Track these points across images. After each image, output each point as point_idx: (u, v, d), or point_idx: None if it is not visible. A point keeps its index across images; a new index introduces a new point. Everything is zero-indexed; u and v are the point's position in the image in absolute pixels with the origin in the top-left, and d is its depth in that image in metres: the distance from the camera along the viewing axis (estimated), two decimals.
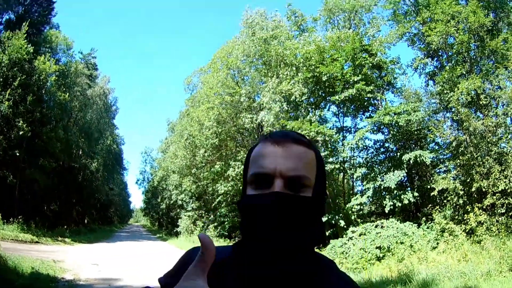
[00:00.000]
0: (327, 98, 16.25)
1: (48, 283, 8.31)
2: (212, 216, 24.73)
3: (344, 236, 13.59)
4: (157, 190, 45.61)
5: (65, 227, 25.98)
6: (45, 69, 21.70)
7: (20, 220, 19.61)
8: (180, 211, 30.89)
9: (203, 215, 26.53)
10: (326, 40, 17.07)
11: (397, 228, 12.50)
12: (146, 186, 55.49)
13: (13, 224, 18.80)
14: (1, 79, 19.66)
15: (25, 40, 20.39)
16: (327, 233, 14.61)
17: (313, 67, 15.90)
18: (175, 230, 31.91)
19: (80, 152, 32.79)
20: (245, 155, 0.96)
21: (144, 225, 78.43)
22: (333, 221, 14.49)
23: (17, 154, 20.36)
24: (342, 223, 14.08)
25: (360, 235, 13.01)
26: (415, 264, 9.79)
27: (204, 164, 23.40)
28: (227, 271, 0.88)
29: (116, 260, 14.50)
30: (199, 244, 0.82)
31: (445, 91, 12.54)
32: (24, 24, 20.68)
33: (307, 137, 0.97)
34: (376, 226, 13.09)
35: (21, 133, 19.70)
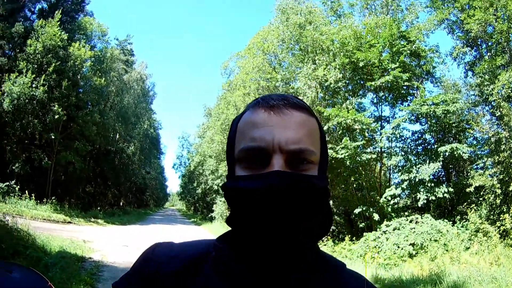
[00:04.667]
0: (366, 86, 15.81)
1: (74, 262, 8.28)
2: None
3: (378, 229, 13.16)
4: (194, 175, 45.95)
5: (99, 208, 26.62)
6: (80, 55, 22.17)
7: (53, 201, 20.25)
8: (216, 196, 31.28)
9: None
10: (363, 26, 16.63)
11: (431, 224, 11.97)
12: (183, 170, 56.21)
13: (46, 204, 19.42)
14: (36, 66, 20.31)
15: (59, 28, 20.94)
16: (361, 225, 14.39)
17: (350, 53, 15.52)
18: (210, 215, 32.37)
19: (117, 136, 33.62)
20: None
21: (179, 209, 79.81)
22: (367, 214, 14.07)
23: (52, 137, 21.01)
24: (376, 216, 13.63)
25: (394, 229, 12.54)
26: (447, 264, 9.27)
27: None
28: (208, 270, 0.72)
29: (147, 243, 14.32)
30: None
31: (484, 83, 11.80)
32: (56, 12, 21.21)
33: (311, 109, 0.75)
34: (410, 221, 12.59)
35: (56, 117, 20.31)
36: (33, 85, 19.58)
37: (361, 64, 15.10)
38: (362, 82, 16.20)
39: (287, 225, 0.63)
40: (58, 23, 20.94)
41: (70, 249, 9.65)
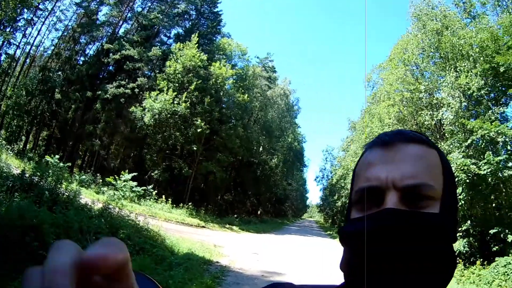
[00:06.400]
0: (508, 93, 14.24)
1: (199, 265, 8.58)
2: None
3: (510, 255, 11.57)
4: (335, 188, 45.30)
5: (235, 216, 27.97)
6: (221, 74, 23.92)
7: (190, 206, 21.96)
8: None
9: None
10: (498, 25, 14.86)
11: None
12: (325, 183, 56.18)
13: (182, 209, 21.10)
14: (177, 84, 22.64)
15: (197, 50, 22.97)
16: (494, 249, 12.80)
17: (489, 57, 14.11)
18: None
19: (261, 149, 35.09)
20: None
21: (317, 221, 79.14)
22: (501, 235, 12.44)
23: (194, 148, 23.00)
24: (510, 238, 11.98)
25: None
26: None
27: None
28: None
29: (278, 252, 14.23)
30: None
31: None
32: (193, 35, 23.43)
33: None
34: None
35: (198, 130, 22.24)
36: (175, 102, 21.74)
37: (501, 69, 13.54)
38: (504, 89, 14.53)
39: (400, 272, 0.56)
40: (196, 45, 23.01)
41: (198, 252, 10.03)
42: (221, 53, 26.38)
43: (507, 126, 13.12)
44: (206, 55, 23.20)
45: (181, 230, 14.85)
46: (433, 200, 0.60)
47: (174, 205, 20.88)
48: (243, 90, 26.73)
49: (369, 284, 0.57)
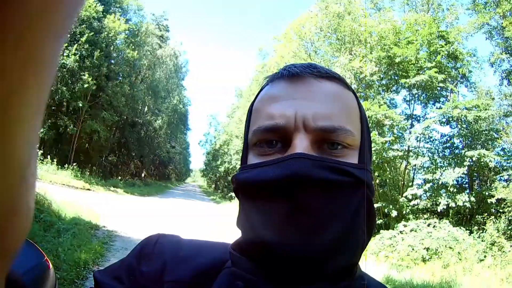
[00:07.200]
0: (400, 82, 15.48)
1: (87, 230, 8.23)
2: None
3: (394, 228, 12.95)
4: (219, 153, 45.99)
5: (120, 178, 27.25)
6: (114, 27, 22.44)
7: (75, 167, 20.60)
8: None
9: None
10: (402, 21, 16.45)
11: (448, 231, 11.74)
12: (208, 148, 56.74)
13: (67, 170, 19.74)
14: (69, 35, 20.62)
15: (94, 0, 21.23)
16: (378, 222, 14.14)
17: (387, 47, 15.28)
18: (229, 194, 32.51)
19: (146, 109, 34.01)
20: None
21: (200, 185, 79.90)
22: (386, 210, 13.86)
23: (80, 105, 21.40)
24: (394, 213, 13.45)
25: (411, 231, 12.27)
26: (459, 274, 9.17)
27: None
28: (223, 283, 0.53)
29: (163, 216, 14.05)
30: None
31: None
32: None
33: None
34: (428, 225, 12.36)
35: (85, 86, 20.71)
36: (64, 54, 19.93)
37: (397, 59, 14.86)
38: (396, 78, 15.92)
39: (309, 231, 0.46)
40: None
41: (85, 216, 9.54)
42: (117, 5, 24.61)
43: (394, 112, 14.49)
44: (103, 6, 21.45)
45: (67, 193, 13.89)
46: (351, 149, 0.52)
47: (59, 166, 19.35)
48: (133, 47, 25.42)
49: (274, 244, 0.47)
